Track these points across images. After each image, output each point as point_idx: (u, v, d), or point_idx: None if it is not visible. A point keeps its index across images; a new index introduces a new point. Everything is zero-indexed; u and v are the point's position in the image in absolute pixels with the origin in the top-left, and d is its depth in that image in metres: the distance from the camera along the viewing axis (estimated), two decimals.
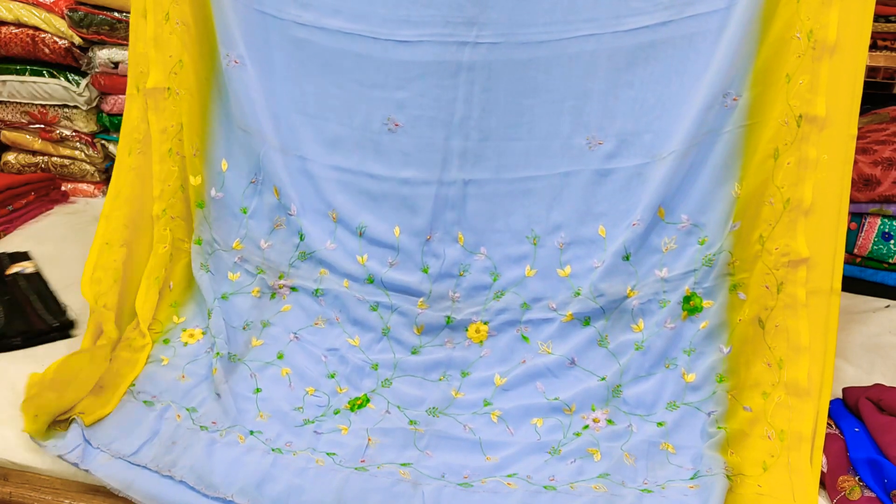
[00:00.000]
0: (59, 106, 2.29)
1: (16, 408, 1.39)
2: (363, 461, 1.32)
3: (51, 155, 2.38)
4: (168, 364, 1.51)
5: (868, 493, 1.21)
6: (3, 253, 1.92)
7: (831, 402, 1.37)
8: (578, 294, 1.54)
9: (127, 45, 1.65)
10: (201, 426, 1.36)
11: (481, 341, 1.59)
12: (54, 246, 2.03)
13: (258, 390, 1.48)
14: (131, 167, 1.56)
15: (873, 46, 2.03)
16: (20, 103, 2.31)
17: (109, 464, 1.29)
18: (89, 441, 1.31)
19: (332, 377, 1.54)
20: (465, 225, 1.61)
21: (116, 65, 2.18)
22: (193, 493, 1.25)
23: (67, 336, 1.61)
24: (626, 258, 1.52)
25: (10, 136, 2.38)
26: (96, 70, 2.20)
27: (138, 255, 1.62)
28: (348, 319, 1.62)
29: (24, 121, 2.33)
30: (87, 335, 1.50)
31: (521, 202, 1.58)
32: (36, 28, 2.18)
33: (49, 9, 2.17)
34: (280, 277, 1.65)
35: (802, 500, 1.23)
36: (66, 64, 2.23)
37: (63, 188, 2.39)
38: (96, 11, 2.13)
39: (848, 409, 1.39)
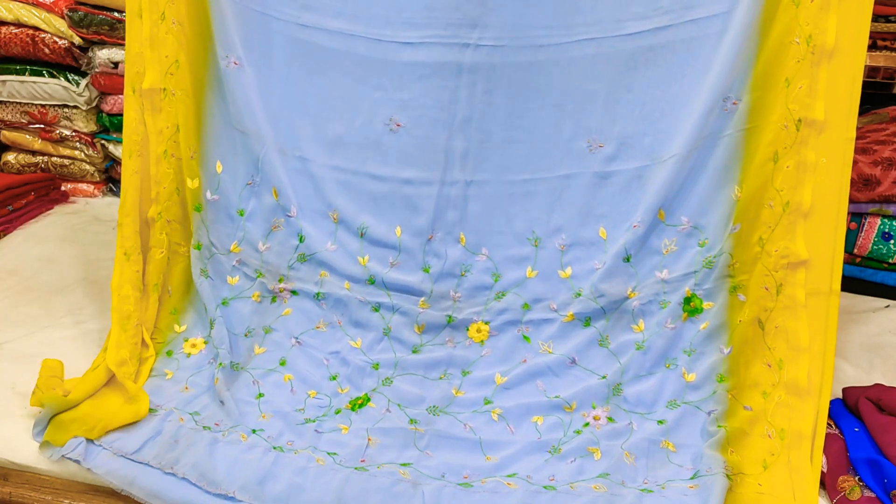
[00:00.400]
0: (58, 106, 2.29)
1: (15, 407, 1.39)
2: (363, 461, 1.33)
3: (51, 155, 2.38)
4: (172, 377, 1.51)
5: (868, 493, 1.21)
6: None
7: (831, 402, 1.38)
8: (579, 295, 1.55)
9: None
10: (204, 426, 1.37)
11: (482, 341, 1.59)
12: (54, 246, 2.03)
13: (260, 395, 1.48)
14: (134, 171, 1.55)
15: (873, 46, 2.03)
16: (20, 103, 2.31)
17: (111, 461, 1.29)
18: (91, 439, 1.32)
19: (334, 379, 1.54)
20: (467, 226, 1.61)
21: (116, 65, 2.18)
22: (196, 490, 1.25)
23: None
24: (627, 260, 1.52)
25: (10, 136, 2.38)
26: (96, 70, 2.20)
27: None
28: (350, 322, 1.62)
29: (23, 121, 2.33)
30: (114, 354, 1.45)
31: (523, 204, 1.59)
32: (36, 28, 2.18)
33: (49, 9, 2.18)
34: (280, 280, 1.64)
35: (802, 498, 1.24)
36: (66, 64, 2.23)
37: (63, 188, 2.39)
38: (96, 11, 2.13)
39: (848, 408, 1.40)
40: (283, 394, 1.50)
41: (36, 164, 2.38)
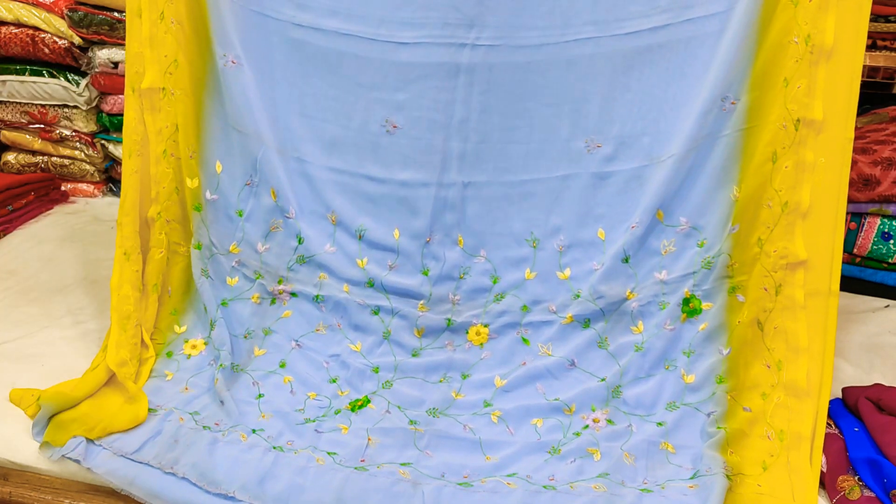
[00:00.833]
0: (58, 106, 2.29)
1: (15, 408, 1.39)
2: (363, 461, 1.33)
3: (51, 155, 2.38)
4: (172, 379, 1.51)
5: (867, 493, 1.21)
6: None
7: (831, 402, 1.38)
8: (578, 296, 1.55)
9: None
10: (204, 426, 1.37)
11: (482, 344, 1.59)
12: (54, 246, 2.03)
13: (260, 395, 1.48)
14: (134, 170, 1.55)
15: (873, 46, 2.03)
16: (20, 103, 2.31)
17: (111, 461, 1.30)
18: (91, 439, 1.32)
19: (334, 381, 1.54)
20: (465, 227, 1.61)
21: (116, 65, 2.18)
22: (195, 490, 1.26)
23: None
24: (626, 261, 1.52)
25: (10, 136, 2.38)
26: (96, 70, 2.20)
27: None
28: (349, 325, 1.62)
29: (23, 121, 2.33)
30: (114, 354, 1.46)
31: (521, 205, 1.58)
32: (36, 28, 2.18)
33: (49, 9, 2.17)
34: (279, 282, 1.64)
35: (802, 499, 1.24)
36: (66, 64, 2.23)
37: (63, 188, 2.39)
38: (96, 11, 2.13)
39: (847, 408, 1.40)
40: (283, 395, 1.50)
41: (36, 164, 2.38)
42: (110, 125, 2.30)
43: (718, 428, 1.36)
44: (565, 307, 1.55)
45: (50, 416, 1.33)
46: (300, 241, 1.63)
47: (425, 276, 1.61)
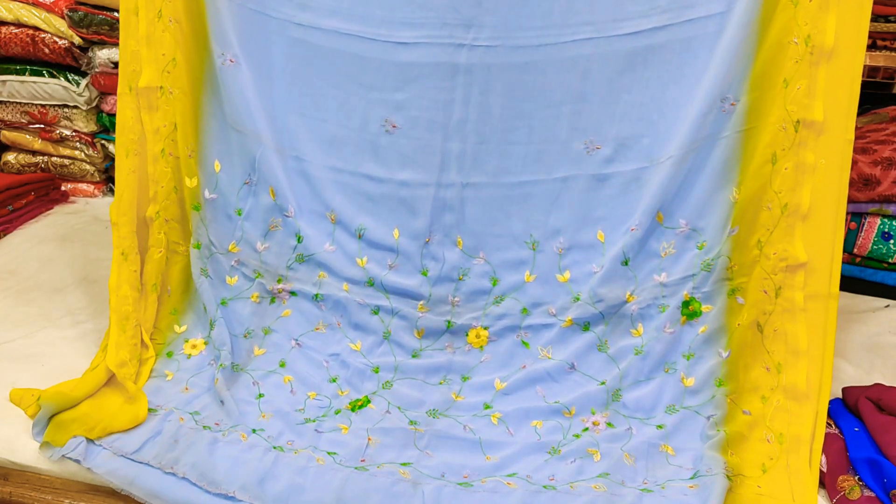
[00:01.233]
0: (58, 106, 2.29)
1: (15, 408, 1.39)
2: (363, 461, 1.33)
3: (51, 155, 2.38)
4: (172, 379, 1.51)
5: (868, 493, 1.21)
6: None
7: (831, 402, 1.38)
8: (578, 299, 1.54)
9: None
10: (204, 426, 1.37)
11: (481, 346, 1.59)
12: (54, 246, 2.03)
13: (261, 395, 1.48)
14: (131, 169, 1.55)
15: (873, 46, 2.03)
16: (20, 103, 2.31)
17: (111, 461, 1.30)
18: (91, 439, 1.32)
19: (334, 381, 1.54)
20: (464, 228, 1.61)
21: (116, 65, 2.17)
22: (196, 490, 1.26)
23: None
24: (625, 263, 1.52)
25: (10, 136, 2.38)
26: (96, 70, 2.20)
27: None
28: (349, 324, 1.62)
29: (24, 121, 2.33)
30: (113, 355, 1.46)
31: (520, 206, 1.58)
32: (36, 28, 2.18)
33: (49, 9, 2.17)
34: (279, 281, 1.64)
35: (802, 500, 1.24)
36: (66, 64, 2.23)
37: (63, 188, 2.39)
38: (96, 11, 2.13)
39: (848, 408, 1.40)
40: (283, 394, 1.50)
41: (36, 164, 2.38)
42: (110, 125, 2.30)
43: (718, 430, 1.36)
44: (565, 310, 1.55)
45: (50, 416, 1.33)
46: (299, 240, 1.63)
47: (425, 277, 1.61)
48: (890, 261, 1.79)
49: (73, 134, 2.32)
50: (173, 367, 1.54)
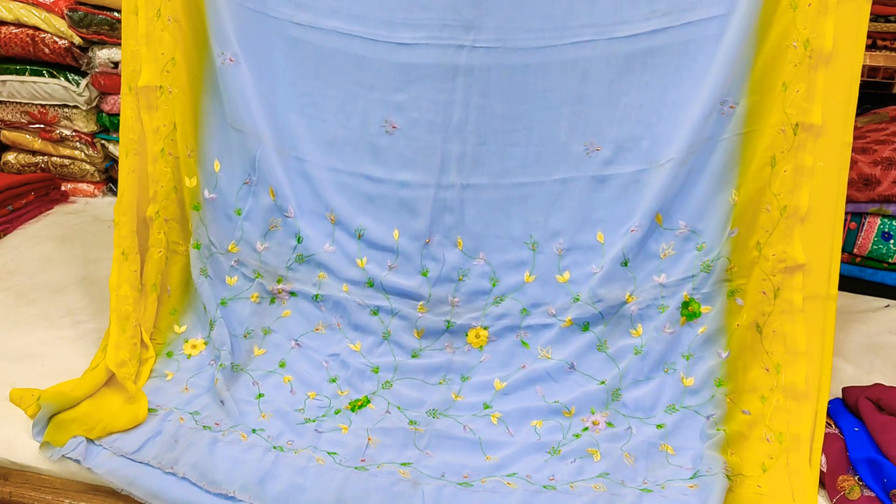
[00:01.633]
0: (58, 106, 2.29)
1: (15, 407, 1.39)
2: (363, 460, 1.33)
3: (51, 155, 2.38)
4: (172, 379, 1.51)
5: (867, 493, 1.22)
6: None
7: (831, 402, 1.38)
8: (577, 300, 1.54)
9: None
10: (204, 426, 1.37)
11: (481, 346, 1.59)
12: (54, 246, 2.03)
13: (260, 395, 1.48)
14: (131, 169, 1.55)
15: (873, 46, 2.03)
16: (20, 103, 2.31)
17: (111, 461, 1.30)
18: (91, 439, 1.32)
19: (334, 381, 1.54)
20: (464, 229, 1.61)
21: (116, 65, 2.18)
22: (196, 490, 1.26)
23: None
24: (625, 264, 1.52)
25: (10, 136, 2.38)
26: (96, 70, 2.20)
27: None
28: (349, 325, 1.62)
29: (24, 121, 2.33)
30: (113, 355, 1.46)
31: (520, 208, 1.58)
32: (36, 28, 2.18)
33: (49, 9, 2.17)
34: (278, 281, 1.64)
35: (802, 500, 1.24)
36: (66, 64, 2.23)
37: (63, 188, 2.39)
38: (96, 11, 2.13)
39: (847, 408, 1.40)
40: (283, 394, 1.50)
41: (36, 164, 2.38)
42: (110, 125, 2.30)
43: (718, 430, 1.36)
44: (565, 310, 1.55)
45: (50, 415, 1.34)
46: (299, 241, 1.63)
47: (424, 278, 1.61)
48: (890, 261, 1.79)
49: (73, 134, 2.32)
50: (173, 367, 1.54)
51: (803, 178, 1.36)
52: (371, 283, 1.61)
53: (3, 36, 2.19)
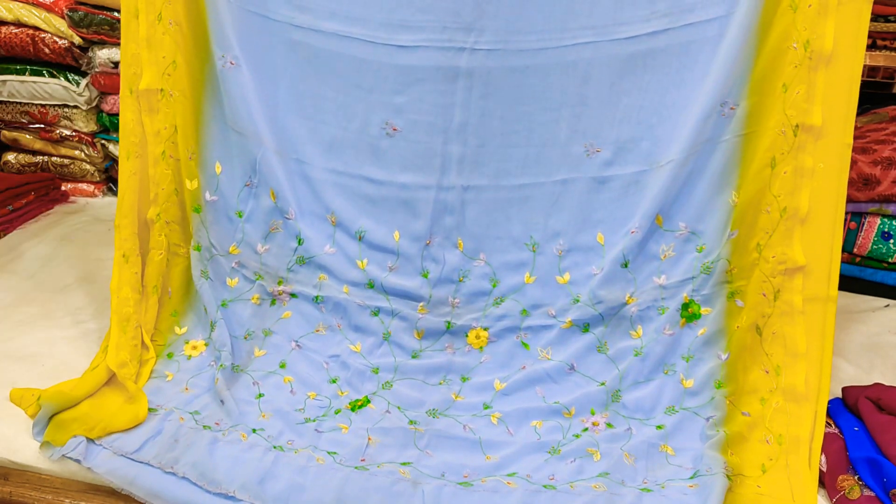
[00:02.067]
0: (59, 106, 2.29)
1: (15, 407, 1.39)
2: (363, 460, 1.33)
3: (51, 155, 2.38)
4: (172, 379, 1.51)
5: (867, 493, 1.22)
6: None
7: (831, 402, 1.38)
8: (577, 301, 1.55)
9: None
10: (204, 426, 1.37)
11: (481, 347, 1.59)
12: (54, 246, 2.03)
13: (260, 395, 1.48)
14: (132, 172, 1.55)
15: (873, 46, 2.03)
16: (20, 103, 2.31)
17: (112, 461, 1.30)
18: (91, 438, 1.32)
19: (334, 382, 1.54)
20: (465, 231, 1.61)
21: (116, 65, 2.18)
22: (196, 490, 1.26)
23: None
24: (625, 265, 1.52)
25: (10, 135, 2.38)
26: (96, 70, 2.20)
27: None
28: (349, 326, 1.62)
29: (24, 121, 2.33)
30: (114, 356, 1.46)
31: (520, 209, 1.58)
32: (36, 28, 2.18)
33: (49, 9, 2.18)
34: (279, 283, 1.64)
35: (801, 500, 1.24)
36: (66, 64, 2.23)
37: (63, 188, 2.39)
38: (96, 11, 2.13)
39: (847, 408, 1.40)
40: (283, 394, 1.50)
41: (36, 164, 2.39)
42: (110, 125, 2.30)
43: (718, 431, 1.37)
44: (565, 311, 1.56)
45: (50, 415, 1.34)
46: (300, 242, 1.63)
47: (425, 279, 1.61)
48: (890, 260, 1.79)
49: (73, 134, 2.32)
50: (173, 367, 1.54)
51: (803, 179, 1.36)
52: (371, 285, 1.62)
53: (3, 36, 2.19)
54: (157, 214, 1.60)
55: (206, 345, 1.59)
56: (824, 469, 1.28)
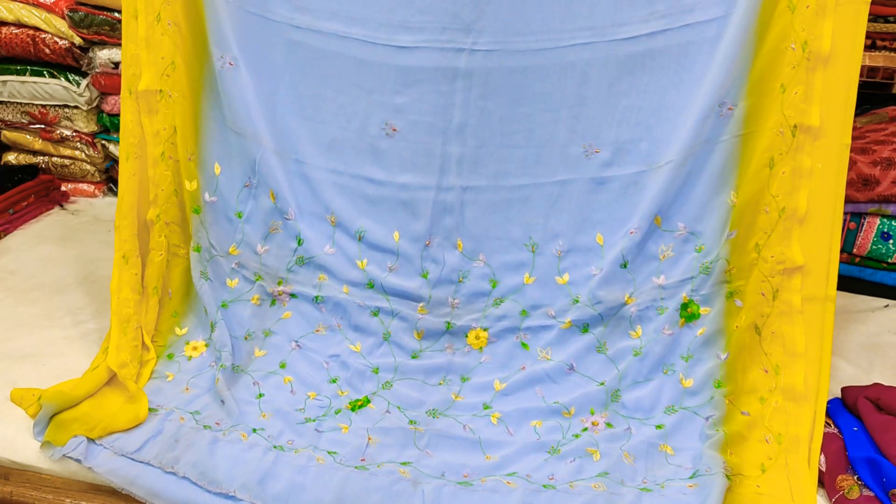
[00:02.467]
0: (59, 106, 2.29)
1: (16, 407, 1.39)
2: (363, 460, 1.33)
3: (51, 155, 2.38)
4: (173, 380, 1.51)
5: (867, 493, 1.22)
6: None
7: (830, 402, 1.39)
8: (577, 301, 1.55)
9: None
10: (204, 426, 1.38)
11: (481, 347, 1.59)
12: (54, 246, 2.03)
13: (261, 395, 1.49)
14: (131, 173, 1.55)
15: (872, 46, 2.03)
16: (20, 103, 2.31)
17: (112, 461, 1.30)
18: (92, 438, 1.32)
19: (334, 382, 1.55)
20: (464, 231, 1.61)
21: (117, 65, 2.18)
22: (196, 489, 1.26)
23: None
24: (624, 266, 1.52)
25: (10, 136, 2.38)
26: (96, 70, 2.20)
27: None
28: (349, 326, 1.62)
29: (24, 121, 2.33)
30: (114, 357, 1.46)
31: (519, 210, 1.58)
32: (36, 28, 2.18)
33: (49, 9, 2.18)
34: (279, 284, 1.65)
35: (801, 500, 1.24)
36: (67, 64, 2.23)
37: (63, 188, 2.39)
38: (96, 12, 2.13)
39: (847, 408, 1.40)
40: (284, 394, 1.50)
41: (36, 165, 2.39)
42: (111, 125, 2.30)
43: (717, 431, 1.37)
44: (564, 312, 1.56)
45: (51, 415, 1.34)
46: (300, 243, 1.63)
47: (425, 279, 1.61)
48: (889, 261, 1.79)
49: (74, 134, 2.32)
50: (174, 368, 1.55)
51: (802, 179, 1.36)
52: (371, 285, 1.62)
53: (3, 36, 2.19)
54: (156, 215, 1.60)
55: (206, 345, 1.59)
56: (823, 469, 1.28)
